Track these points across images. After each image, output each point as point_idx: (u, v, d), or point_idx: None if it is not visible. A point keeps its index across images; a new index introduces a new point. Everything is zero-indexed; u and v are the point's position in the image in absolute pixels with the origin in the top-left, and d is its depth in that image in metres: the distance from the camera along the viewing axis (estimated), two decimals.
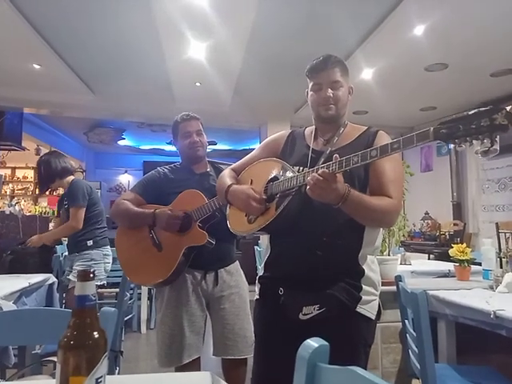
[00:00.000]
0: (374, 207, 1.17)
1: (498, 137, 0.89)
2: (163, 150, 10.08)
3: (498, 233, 4.22)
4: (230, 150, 9.48)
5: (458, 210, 5.69)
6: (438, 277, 2.45)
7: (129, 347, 3.46)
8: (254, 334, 1.42)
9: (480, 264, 2.28)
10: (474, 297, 1.71)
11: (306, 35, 3.53)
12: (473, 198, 5.62)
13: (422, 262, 3.35)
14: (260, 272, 1.40)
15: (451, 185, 5.87)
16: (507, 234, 4.04)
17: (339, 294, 1.21)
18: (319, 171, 1.08)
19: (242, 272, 1.97)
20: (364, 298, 1.24)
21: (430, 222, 5.74)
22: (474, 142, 0.89)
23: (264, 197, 1.28)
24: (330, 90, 1.31)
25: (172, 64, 4.14)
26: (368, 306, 1.25)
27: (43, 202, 8.67)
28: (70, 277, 2.76)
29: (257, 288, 1.38)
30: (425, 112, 5.35)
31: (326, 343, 0.61)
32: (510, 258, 1.99)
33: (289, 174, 1.24)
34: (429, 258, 5.00)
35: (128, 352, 3.19)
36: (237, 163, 1.52)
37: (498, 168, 5.20)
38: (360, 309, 1.23)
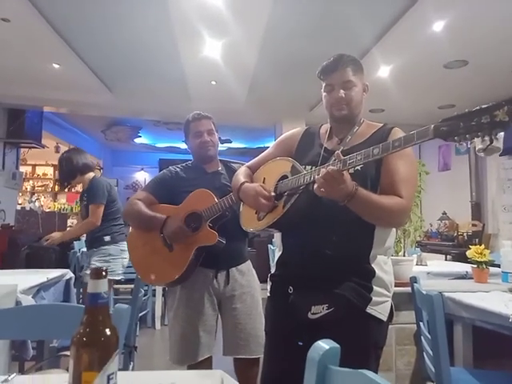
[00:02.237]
0: (381, 206, 1.15)
1: (500, 134, 0.87)
2: (179, 148, 10.16)
3: None
4: (245, 148, 9.50)
5: (477, 210, 5.57)
6: (455, 278, 2.41)
7: (143, 343, 3.51)
8: (265, 332, 1.42)
9: (499, 266, 2.22)
10: (492, 300, 1.68)
11: (321, 33, 3.51)
12: (493, 198, 5.49)
13: (438, 263, 3.29)
14: (272, 270, 1.40)
15: (470, 184, 5.74)
16: None
17: (348, 294, 1.20)
18: (328, 168, 1.08)
19: (254, 271, 1.96)
20: (375, 299, 1.22)
21: (447, 222, 5.64)
22: (475, 139, 0.87)
23: (273, 194, 1.28)
24: (342, 91, 1.30)
25: (188, 63, 4.17)
26: (379, 308, 1.23)
27: (62, 199, 8.87)
28: (87, 271, 2.81)
29: (268, 286, 1.39)
30: (443, 110, 5.25)
31: (337, 345, 0.60)
32: None
33: (298, 173, 1.24)
34: (446, 259, 4.92)
35: (142, 348, 3.23)
36: (252, 161, 1.52)
37: None
38: (370, 310, 1.21)
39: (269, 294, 1.38)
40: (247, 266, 1.94)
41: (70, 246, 4.09)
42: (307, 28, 3.42)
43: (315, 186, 1.10)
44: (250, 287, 1.89)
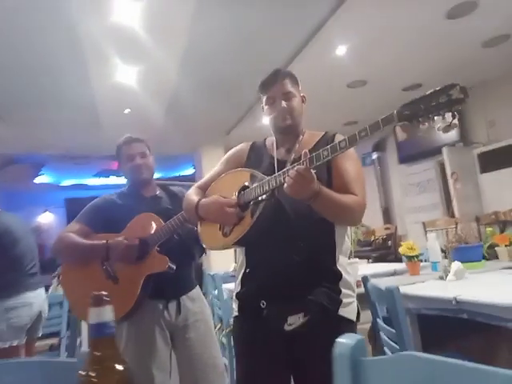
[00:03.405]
0: (342, 203, 1.20)
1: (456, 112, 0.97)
2: (86, 184, 9.53)
3: (426, 231, 4.60)
4: (160, 178, 9.23)
5: (387, 215, 6.13)
6: (389, 276, 2.57)
7: None
8: (236, 354, 1.34)
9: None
10: (432, 288, 1.82)
11: (236, 56, 3.62)
12: (398, 203, 6.10)
13: (365, 266, 3.51)
14: (236, 288, 1.34)
15: (378, 192, 6.32)
16: (449, 229, 4.35)
17: (322, 299, 1.20)
18: (297, 167, 1.08)
19: (203, 297, 1.88)
20: (344, 300, 1.24)
21: (364, 228, 6.08)
22: (435, 118, 0.96)
23: (234, 197, 1.25)
24: (283, 102, 1.34)
25: (99, 90, 3.96)
26: (348, 309, 1.25)
27: None
28: None
29: (235, 305, 1.33)
30: (348, 126, 5.74)
31: (361, 337, 0.59)
32: (452, 250, 2.17)
33: (259, 181, 1.22)
34: (368, 263, 5.26)
35: None
36: (201, 181, 1.47)
37: (417, 173, 5.74)
38: (342, 312, 1.23)
39: (236, 314, 1.31)
40: (197, 292, 1.84)
41: None
42: (224, 51, 3.51)
43: (285, 186, 1.10)
44: (203, 313, 1.80)
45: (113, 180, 9.35)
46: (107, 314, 0.49)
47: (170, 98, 4.30)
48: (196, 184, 1.47)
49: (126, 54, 3.35)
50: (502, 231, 3.99)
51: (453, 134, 5.10)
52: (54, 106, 4.32)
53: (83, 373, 0.47)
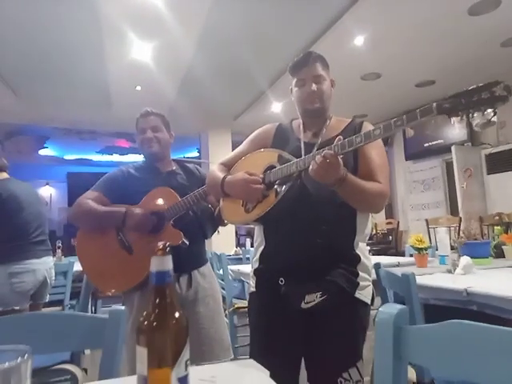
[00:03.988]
0: (366, 190, 1.20)
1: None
2: (91, 160, 9.50)
3: (428, 228, 4.63)
4: None
5: (390, 210, 6.15)
6: (393, 267, 2.58)
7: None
8: (251, 328, 1.36)
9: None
10: (441, 280, 1.84)
11: (251, 44, 3.59)
12: (402, 199, 6.11)
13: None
14: (254, 265, 1.36)
15: None
16: (451, 228, 4.38)
17: (339, 280, 1.22)
18: (324, 152, 1.09)
19: (213, 274, 1.90)
20: (361, 283, 1.26)
21: None
22: (474, 114, 0.96)
23: (261, 176, 1.25)
24: (314, 85, 1.34)
25: (112, 67, 3.92)
26: (364, 292, 1.27)
27: None
28: None
29: (252, 281, 1.34)
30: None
31: (404, 306, 0.60)
32: (461, 245, 2.19)
33: (287, 162, 1.23)
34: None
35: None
36: (225, 158, 1.47)
37: (422, 170, 5.74)
38: (358, 294, 1.25)
39: (253, 289, 1.33)
40: (208, 268, 1.86)
41: None
42: (240, 37, 3.47)
43: (310, 169, 1.10)
44: (213, 290, 1.82)
45: (116, 157, 9.34)
46: (168, 263, 0.50)
47: (182, 79, 4.27)
48: (221, 161, 1.48)
49: (143, 30, 3.31)
50: (505, 233, 4.01)
51: (462, 134, 5.09)
52: (66, 82, 4.30)
53: (142, 318, 0.48)
